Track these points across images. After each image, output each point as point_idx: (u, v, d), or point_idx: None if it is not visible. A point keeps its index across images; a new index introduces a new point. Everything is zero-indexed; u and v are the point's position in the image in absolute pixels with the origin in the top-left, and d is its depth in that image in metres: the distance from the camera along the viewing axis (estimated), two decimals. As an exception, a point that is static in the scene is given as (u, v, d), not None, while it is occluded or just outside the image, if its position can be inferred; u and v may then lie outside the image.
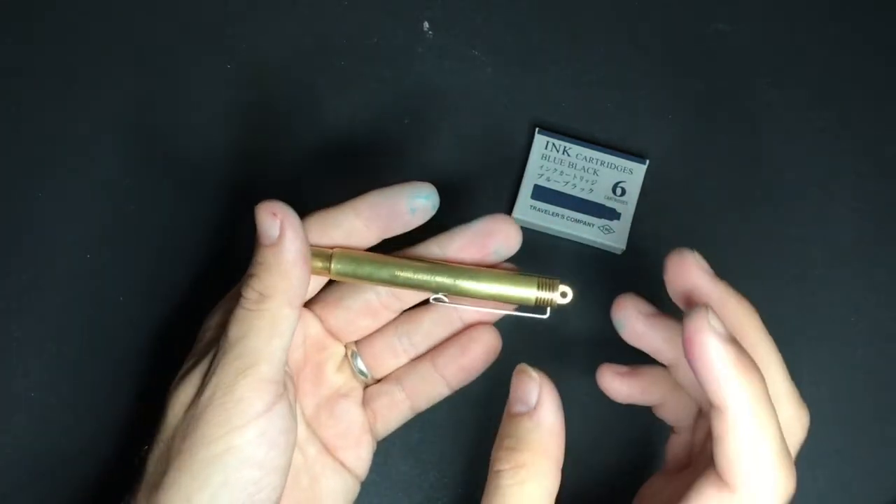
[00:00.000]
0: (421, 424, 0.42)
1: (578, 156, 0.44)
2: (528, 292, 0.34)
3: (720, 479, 0.29)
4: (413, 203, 0.33)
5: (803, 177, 0.45)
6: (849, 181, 0.45)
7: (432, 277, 0.34)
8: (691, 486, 0.30)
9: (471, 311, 0.36)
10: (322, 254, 0.34)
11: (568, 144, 0.44)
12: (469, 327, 0.37)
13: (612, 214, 0.44)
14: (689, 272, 0.32)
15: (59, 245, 0.43)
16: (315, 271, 0.33)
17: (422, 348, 0.37)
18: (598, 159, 0.44)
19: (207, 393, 0.30)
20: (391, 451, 0.42)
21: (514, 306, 0.36)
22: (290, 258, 0.31)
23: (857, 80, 0.46)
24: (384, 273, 0.34)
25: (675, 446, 0.36)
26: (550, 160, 0.44)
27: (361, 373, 0.38)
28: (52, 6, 0.46)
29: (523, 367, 0.32)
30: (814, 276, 0.44)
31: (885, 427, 0.43)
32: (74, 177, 0.44)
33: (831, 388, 0.43)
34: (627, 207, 0.44)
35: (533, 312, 0.35)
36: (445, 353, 0.37)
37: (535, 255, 0.44)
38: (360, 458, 0.37)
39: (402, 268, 0.34)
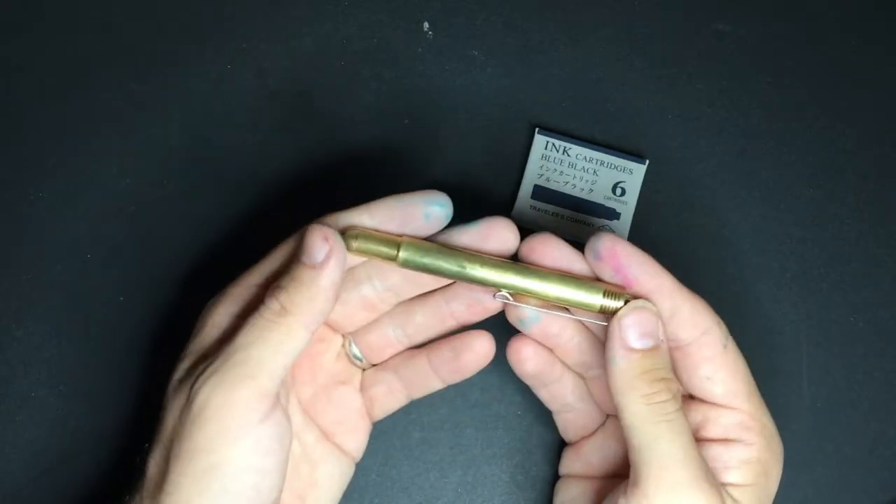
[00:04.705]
0: (421, 424, 0.42)
1: (578, 156, 0.44)
2: (593, 298, 0.33)
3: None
4: (428, 210, 0.34)
5: (803, 176, 0.45)
6: (849, 181, 0.45)
7: (500, 275, 0.33)
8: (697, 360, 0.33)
9: (464, 312, 0.36)
10: (390, 241, 0.33)
11: (568, 144, 0.44)
12: (464, 330, 0.37)
13: (612, 214, 0.44)
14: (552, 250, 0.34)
15: (60, 245, 0.43)
16: (382, 257, 0.33)
17: (416, 339, 0.38)
18: (598, 159, 0.44)
19: (202, 397, 0.31)
20: (391, 451, 0.42)
21: (578, 311, 0.35)
22: (326, 284, 0.32)
23: (857, 81, 0.46)
24: (452, 265, 0.33)
25: (571, 421, 0.39)
26: (550, 160, 0.44)
27: (357, 358, 0.38)
28: (53, 5, 0.46)
29: (631, 307, 0.33)
30: (813, 276, 0.44)
31: (884, 427, 0.43)
32: (74, 177, 0.44)
33: (831, 388, 0.43)
34: (627, 207, 0.44)
35: (597, 319, 0.34)
36: (440, 354, 0.37)
37: (535, 255, 0.44)
38: (357, 441, 0.38)
39: (470, 261, 0.34)
